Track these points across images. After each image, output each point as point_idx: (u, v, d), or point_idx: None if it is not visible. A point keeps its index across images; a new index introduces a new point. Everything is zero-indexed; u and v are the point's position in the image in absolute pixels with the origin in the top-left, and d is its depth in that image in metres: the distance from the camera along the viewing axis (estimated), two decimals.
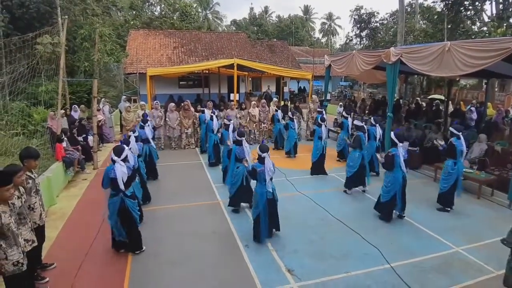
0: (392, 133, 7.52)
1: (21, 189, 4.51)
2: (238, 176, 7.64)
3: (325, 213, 7.78)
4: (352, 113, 18.56)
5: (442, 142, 8.90)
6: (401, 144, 7.27)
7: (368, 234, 6.73)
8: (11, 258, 3.96)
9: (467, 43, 9.09)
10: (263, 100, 15.61)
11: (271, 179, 6.26)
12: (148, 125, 9.91)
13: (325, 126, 10.70)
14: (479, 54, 8.53)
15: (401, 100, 18.94)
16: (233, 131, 9.09)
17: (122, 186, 5.57)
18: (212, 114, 11.57)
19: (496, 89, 28.91)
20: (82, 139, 11.47)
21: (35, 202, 4.99)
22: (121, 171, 5.57)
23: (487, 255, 6.01)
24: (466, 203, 8.33)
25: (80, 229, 6.96)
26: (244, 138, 7.73)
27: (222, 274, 5.47)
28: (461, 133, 7.92)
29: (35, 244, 4.64)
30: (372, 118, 10.90)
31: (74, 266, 5.56)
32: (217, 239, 6.62)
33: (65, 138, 10.01)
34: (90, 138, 11.70)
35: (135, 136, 8.14)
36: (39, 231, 5.08)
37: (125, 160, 5.76)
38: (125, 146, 6.04)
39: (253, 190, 6.55)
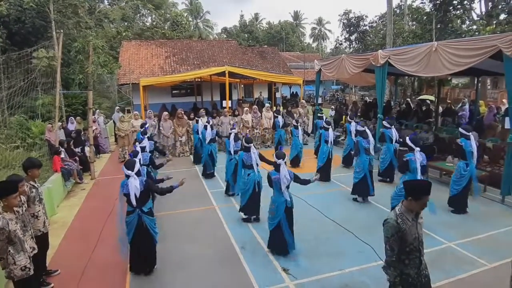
0: (407, 138, 7.27)
1: (22, 198, 4.69)
2: (249, 184, 7.44)
3: (319, 214, 7.97)
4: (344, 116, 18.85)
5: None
6: (418, 148, 6.96)
7: (361, 233, 6.88)
8: (19, 263, 4.16)
9: (454, 43, 9.26)
10: (255, 106, 15.87)
11: (287, 187, 6.08)
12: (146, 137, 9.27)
13: (332, 130, 10.66)
14: (466, 53, 8.70)
15: (392, 102, 19.24)
16: (235, 140, 9.06)
17: (134, 202, 5.31)
18: (207, 124, 11.24)
19: (489, 87, 29.28)
20: (79, 150, 11.68)
21: (39, 210, 5.19)
22: (134, 186, 5.28)
23: (480, 249, 6.19)
24: None
25: (81, 237, 7.14)
26: (252, 144, 7.62)
27: (220, 275, 5.63)
28: (471, 133, 7.84)
29: (35, 251, 4.73)
30: (385, 121, 10.64)
31: (78, 272, 5.73)
32: (214, 242, 6.78)
33: (63, 150, 10.20)
34: (86, 149, 11.89)
35: (141, 147, 7.98)
36: (43, 239, 5.29)
37: (138, 173, 5.46)
38: (136, 159, 5.82)
39: (270, 199, 6.35)
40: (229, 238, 6.93)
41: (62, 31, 11.11)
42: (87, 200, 9.39)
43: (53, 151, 9.98)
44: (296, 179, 6.19)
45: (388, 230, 3.54)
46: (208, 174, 11.12)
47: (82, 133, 12.86)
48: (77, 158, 10.97)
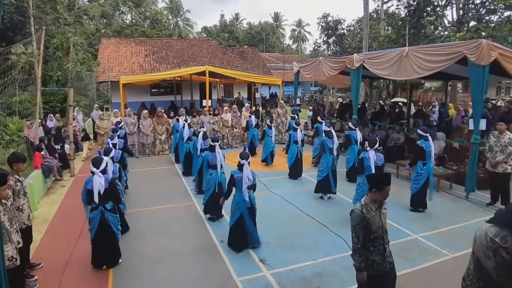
0: (367, 141, 7.71)
1: (8, 191, 4.81)
2: (210, 183, 7.55)
3: (295, 209, 8.31)
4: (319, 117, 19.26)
5: None
6: (369, 148, 7.38)
7: (334, 226, 7.25)
8: (6, 254, 4.28)
9: (423, 48, 9.77)
10: (234, 106, 16.13)
11: (249, 188, 6.21)
12: (118, 135, 9.52)
13: (301, 131, 11.00)
14: (434, 58, 9.19)
15: (366, 103, 19.80)
16: (203, 138, 9.15)
17: (96, 199, 5.41)
18: (185, 122, 11.38)
19: (460, 90, 30.41)
20: (59, 147, 11.70)
21: (24, 204, 5.31)
22: (98, 183, 5.39)
23: (443, 241, 6.64)
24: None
25: (63, 232, 7.26)
26: (217, 143, 7.62)
27: (201, 267, 5.87)
28: (428, 134, 8.18)
29: (21, 245, 4.84)
30: (349, 122, 11.02)
31: (60, 266, 5.86)
32: (194, 236, 7.02)
33: (44, 147, 10.23)
34: (66, 146, 11.93)
35: (113, 144, 8.18)
36: (27, 231, 5.41)
37: (104, 171, 5.57)
38: (103, 157, 5.97)
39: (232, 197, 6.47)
40: (209, 232, 7.17)
41: (44, 27, 11.11)
42: (67, 197, 9.46)
43: (34, 148, 10.00)
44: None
45: (354, 219, 3.84)
46: (184, 173, 11.32)
47: (62, 130, 12.85)
48: (57, 155, 11.00)
